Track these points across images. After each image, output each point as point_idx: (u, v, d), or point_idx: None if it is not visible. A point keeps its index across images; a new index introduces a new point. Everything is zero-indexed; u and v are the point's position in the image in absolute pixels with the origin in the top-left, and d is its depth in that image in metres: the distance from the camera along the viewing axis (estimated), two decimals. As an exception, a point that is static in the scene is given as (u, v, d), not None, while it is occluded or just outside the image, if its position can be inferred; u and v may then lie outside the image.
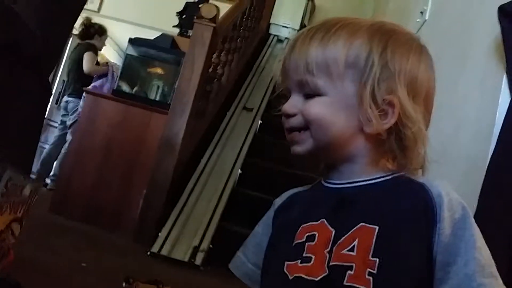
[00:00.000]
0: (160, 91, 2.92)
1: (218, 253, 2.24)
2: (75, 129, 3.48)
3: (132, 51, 2.86)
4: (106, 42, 6.37)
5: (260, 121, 3.25)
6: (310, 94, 0.58)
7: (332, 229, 0.56)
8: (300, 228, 0.58)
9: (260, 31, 4.37)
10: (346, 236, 0.54)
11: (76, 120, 3.54)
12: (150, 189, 2.42)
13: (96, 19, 6.36)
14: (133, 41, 2.84)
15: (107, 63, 3.79)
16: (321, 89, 0.57)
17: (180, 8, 3.98)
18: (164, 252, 2.14)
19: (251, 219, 2.62)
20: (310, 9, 4.67)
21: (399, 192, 0.57)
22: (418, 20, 2.42)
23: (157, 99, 2.88)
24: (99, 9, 5.81)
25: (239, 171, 2.76)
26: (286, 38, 4.56)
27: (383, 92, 0.56)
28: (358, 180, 0.58)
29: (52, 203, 2.70)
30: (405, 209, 0.55)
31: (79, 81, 3.83)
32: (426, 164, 0.59)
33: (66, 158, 2.92)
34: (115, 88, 2.86)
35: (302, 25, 4.70)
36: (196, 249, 2.18)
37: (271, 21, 4.58)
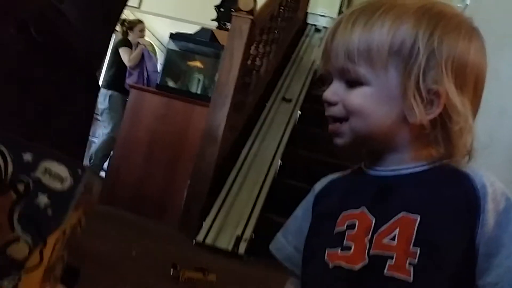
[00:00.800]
0: (201, 84, 2.98)
1: (260, 242, 2.28)
2: (103, 120, 3.60)
3: (173, 46, 2.93)
4: (147, 37, 6.52)
5: (299, 112, 3.26)
6: (352, 82, 0.56)
7: (372, 218, 0.54)
8: (341, 216, 0.57)
9: (298, 21, 4.35)
10: (387, 225, 0.53)
11: (103, 110, 3.62)
12: (194, 180, 2.49)
13: (137, 15, 6.54)
14: (173, 36, 2.91)
15: (138, 42, 3.79)
16: (363, 78, 0.55)
17: (218, 1, 4.03)
18: (208, 241, 2.21)
19: (292, 209, 2.64)
20: (349, -4, 4.60)
21: (442, 181, 0.55)
22: (459, 5, 2.35)
23: (199, 92, 2.95)
24: (140, 5, 5.95)
25: (280, 161, 2.78)
26: (324, 27, 4.52)
27: (429, 82, 0.53)
28: (400, 168, 0.57)
29: (101, 193, 2.82)
30: (448, 199, 0.53)
31: (108, 73, 3.89)
32: (472, 153, 0.57)
33: (114, 151, 3.03)
34: (158, 82, 2.95)
35: (340, 14, 4.65)
36: (239, 239, 2.23)
37: (309, 10, 4.54)
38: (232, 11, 2.65)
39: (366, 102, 0.55)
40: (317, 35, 4.44)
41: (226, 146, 2.64)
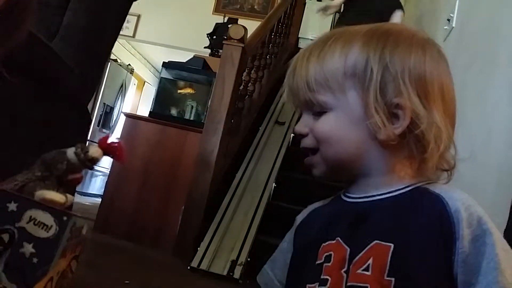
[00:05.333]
0: (194, 111, 3.03)
1: (256, 266, 2.27)
2: None
3: (166, 74, 2.99)
4: (142, 64, 6.60)
5: (292, 134, 3.29)
6: (318, 112, 0.57)
7: (347, 247, 0.53)
8: (321, 248, 0.56)
9: (289, 46, 4.44)
10: (361, 254, 0.52)
11: None
12: (188, 206, 2.50)
13: (132, 44, 6.64)
14: (166, 65, 2.97)
15: None
16: (326, 105, 0.56)
17: (210, 29, 4.12)
18: (203, 266, 2.21)
19: (287, 232, 2.64)
20: (338, 20, 4.70)
21: (415, 206, 0.53)
22: (446, 27, 2.42)
23: (192, 118, 2.99)
24: (134, 34, 6.06)
25: (274, 184, 2.81)
26: (315, 51, 4.61)
27: (389, 96, 0.53)
28: (374, 194, 0.56)
29: (96, 222, 2.83)
30: (421, 226, 0.51)
31: None
32: (453, 169, 0.56)
33: (109, 179, 3.06)
34: (151, 110, 2.99)
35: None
36: (234, 263, 2.23)
37: (300, 35, 4.64)
38: (225, 38, 2.71)
39: (332, 128, 0.56)
40: (309, 59, 4.52)
41: (220, 171, 2.66)
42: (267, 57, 3.50)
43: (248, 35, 2.84)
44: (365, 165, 0.56)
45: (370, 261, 0.51)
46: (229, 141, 2.77)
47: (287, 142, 3.21)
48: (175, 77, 3.03)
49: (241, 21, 3.84)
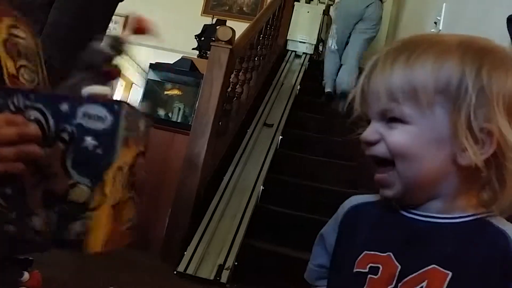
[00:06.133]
0: (181, 112, 3.01)
1: (243, 270, 2.27)
2: None
3: (153, 76, 2.96)
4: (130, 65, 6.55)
5: (280, 137, 3.29)
6: (393, 120, 0.53)
7: (398, 265, 0.52)
8: (363, 254, 0.54)
9: (278, 48, 4.43)
10: (414, 275, 0.51)
11: None
12: (175, 209, 2.48)
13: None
14: (153, 66, 2.94)
15: None
16: (409, 118, 0.52)
17: (199, 30, 4.10)
18: (190, 271, 2.18)
19: (275, 235, 2.64)
20: (327, 22, 4.71)
21: (477, 237, 0.52)
22: (433, 30, 2.43)
23: (179, 120, 2.97)
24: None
25: (262, 187, 2.79)
26: (304, 53, 4.61)
27: (480, 120, 0.49)
28: (435, 215, 0.53)
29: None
30: (482, 259, 0.50)
31: None
32: None
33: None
34: (138, 112, 2.96)
35: (319, 40, 4.75)
36: (221, 267, 2.21)
37: (288, 37, 4.64)
38: (213, 40, 2.70)
39: (412, 143, 0.52)
40: (297, 61, 4.52)
41: (208, 173, 2.64)
42: (256, 59, 3.49)
43: (237, 37, 2.83)
44: (439, 188, 0.53)
45: (424, 284, 0.50)
46: (216, 143, 2.75)
47: (275, 145, 3.20)
48: (162, 79, 3.01)
49: (229, 23, 3.83)
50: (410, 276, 0.51)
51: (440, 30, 2.34)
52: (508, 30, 1.27)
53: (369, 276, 0.53)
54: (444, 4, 2.34)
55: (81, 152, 0.53)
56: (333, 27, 3.95)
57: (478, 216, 0.53)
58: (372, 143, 0.54)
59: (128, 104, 0.54)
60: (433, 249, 0.51)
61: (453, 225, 0.52)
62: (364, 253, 0.54)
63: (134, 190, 0.60)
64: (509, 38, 1.27)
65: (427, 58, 0.51)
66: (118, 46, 0.63)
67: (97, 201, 0.53)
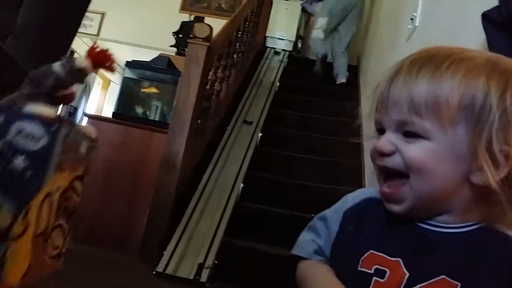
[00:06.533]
0: (159, 111, 2.97)
1: (223, 268, 2.25)
2: None
3: (129, 74, 2.92)
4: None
5: (260, 134, 3.28)
6: (411, 134, 0.51)
7: (406, 272, 0.51)
8: (368, 253, 0.54)
9: (257, 44, 4.42)
10: (423, 284, 0.50)
11: None
12: (154, 208, 2.44)
13: (97, 42, 6.47)
14: (130, 64, 2.89)
15: None
16: (427, 133, 0.50)
17: (177, 27, 4.05)
18: (169, 271, 2.16)
19: (256, 233, 2.62)
20: (305, 19, 4.72)
21: (485, 245, 0.52)
22: (409, 26, 2.44)
23: (157, 119, 2.93)
24: (99, 32, 5.91)
25: (241, 185, 2.77)
26: (283, 49, 4.61)
27: (501, 141, 0.49)
28: (446, 226, 0.53)
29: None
30: (490, 269, 0.50)
31: None
32: None
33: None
34: (114, 110, 2.91)
35: (298, 36, 4.75)
36: (201, 266, 2.19)
37: (267, 34, 4.63)
38: (191, 37, 2.66)
39: (428, 158, 0.50)
40: (276, 58, 4.52)
41: (186, 172, 2.61)
42: (234, 56, 3.46)
43: (215, 34, 2.80)
44: (447, 203, 0.52)
45: None
46: (195, 142, 2.72)
47: (255, 142, 3.19)
48: (139, 77, 2.96)
49: (208, 20, 3.80)
50: (419, 285, 0.50)
51: (416, 26, 2.35)
52: (484, 27, 1.27)
53: (375, 278, 0.52)
54: (420, 0, 2.35)
55: (8, 172, 0.48)
56: (321, 20, 3.98)
57: (483, 224, 0.53)
58: (386, 154, 0.53)
59: (71, 123, 0.51)
60: (443, 258, 0.51)
61: (460, 235, 0.52)
62: (369, 251, 0.53)
63: (68, 215, 0.55)
64: (485, 35, 1.28)
65: (455, 71, 0.50)
66: (71, 71, 0.58)
67: (20, 229, 0.48)
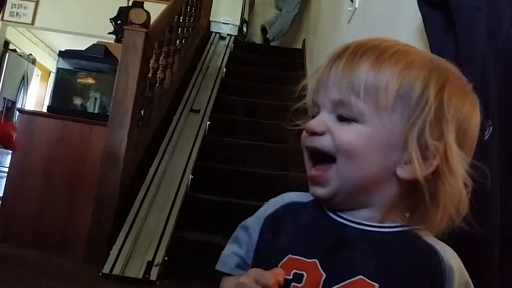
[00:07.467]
0: (98, 102, 2.81)
1: (174, 265, 2.17)
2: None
3: (63, 65, 2.73)
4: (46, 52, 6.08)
5: (208, 122, 3.19)
6: (346, 117, 0.51)
7: (323, 273, 0.49)
8: (287, 258, 0.51)
9: (201, 30, 4.29)
10: (340, 285, 0.49)
11: None
12: (97, 206, 2.31)
13: (33, 31, 6.08)
14: (63, 54, 2.71)
15: None
16: (361, 116, 0.50)
17: (115, 14, 3.85)
18: (116, 271, 2.05)
19: (207, 224, 2.55)
20: (249, 3, 4.63)
21: (407, 249, 0.51)
22: (349, 8, 2.42)
23: (96, 111, 2.77)
24: (33, 21, 5.54)
25: (191, 176, 2.69)
26: (228, 34, 4.51)
27: (432, 136, 0.49)
28: (364, 223, 0.52)
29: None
30: (412, 274, 0.50)
31: None
32: (452, 224, 0.52)
33: (7, 183, 2.76)
34: (49, 104, 2.73)
35: (242, 21, 4.66)
36: (150, 264, 2.10)
37: (211, 18, 4.51)
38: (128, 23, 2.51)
39: (359, 141, 0.50)
40: (222, 42, 4.42)
41: (131, 166, 2.49)
42: (177, 42, 3.33)
43: (154, 19, 2.67)
44: (372, 195, 0.51)
45: None
46: (139, 133, 2.60)
47: (203, 131, 3.10)
48: (75, 67, 2.78)
49: (147, 5, 3.62)
50: (336, 286, 0.49)
51: (356, 8, 2.33)
52: (420, 8, 1.26)
53: (293, 284, 0.50)
54: (361, -19, 2.33)
55: None
56: None
57: (406, 228, 0.52)
58: (317, 134, 0.52)
59: None
60: (361, 258, 0.50)
61: (381, 235, 0.51)
62: (288, 256, 0.51)
63: None
64: (421, 17, 1.26)
65: (398, 61, 0.51)
66: None
67: None
